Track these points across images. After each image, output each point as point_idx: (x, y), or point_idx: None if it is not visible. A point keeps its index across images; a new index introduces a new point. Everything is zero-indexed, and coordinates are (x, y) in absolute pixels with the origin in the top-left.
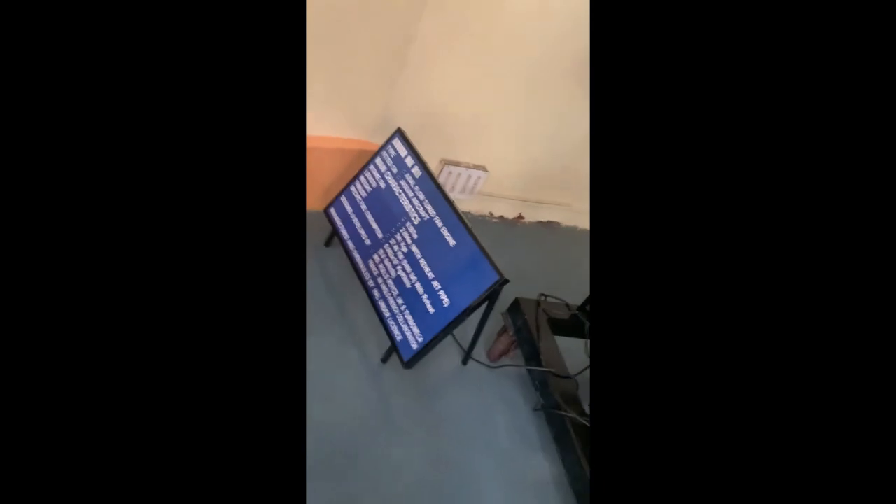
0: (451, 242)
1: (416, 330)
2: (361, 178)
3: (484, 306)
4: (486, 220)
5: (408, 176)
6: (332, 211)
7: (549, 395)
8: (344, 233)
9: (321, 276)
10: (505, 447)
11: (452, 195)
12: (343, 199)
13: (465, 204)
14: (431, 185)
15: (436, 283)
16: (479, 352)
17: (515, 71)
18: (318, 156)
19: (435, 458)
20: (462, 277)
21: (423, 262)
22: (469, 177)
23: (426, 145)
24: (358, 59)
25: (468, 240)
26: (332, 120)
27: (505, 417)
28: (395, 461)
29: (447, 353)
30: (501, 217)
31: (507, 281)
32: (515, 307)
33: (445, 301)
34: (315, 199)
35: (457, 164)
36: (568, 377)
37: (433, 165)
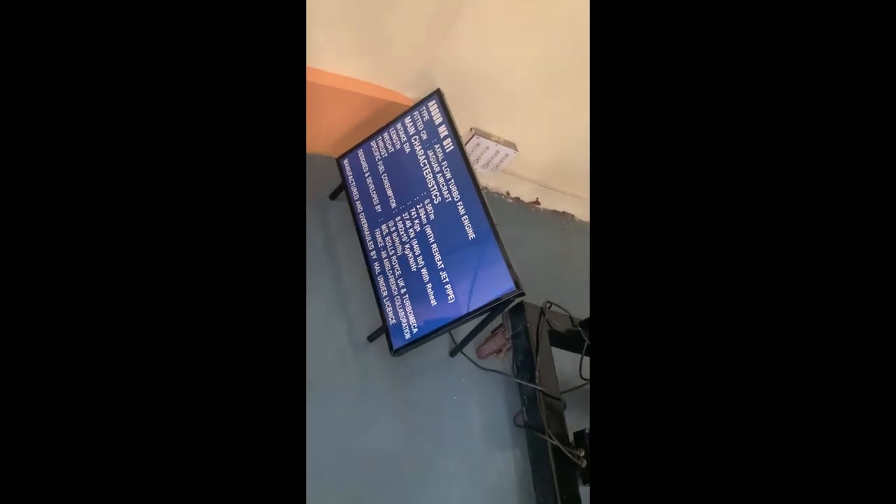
0: (471, 235)
1: (412, 319)
2: (385, 134)
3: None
4: (501, 199)
5: (437, 147)
6: (346, 163)
7: (535, 413)
8: (354, 191)
9: (321, 230)
10: (476, 451)
11: (475, 168)
12: (360, 152)
13: (485, 178)
14: (461, 165)
15: (444, 275)
16: (469, 347)
17: (570, 54)
18: (342, 98)
19: (403, 446)
20: (474, 276)
21: (434, 248)
22: (497, 152)
23: (460, 108)
24: (408, 2)
25: (490, 237)
26: (365, 62)
27: (483, 421)
28: (362, 443)
29: (436, 339)
30: (518, 199)
31: (522, 294)
32: (519, 311)
33: (451, 296)
34: (330, 143)
35: (487, 136)
36: (557, 399)
37: (462, 131)
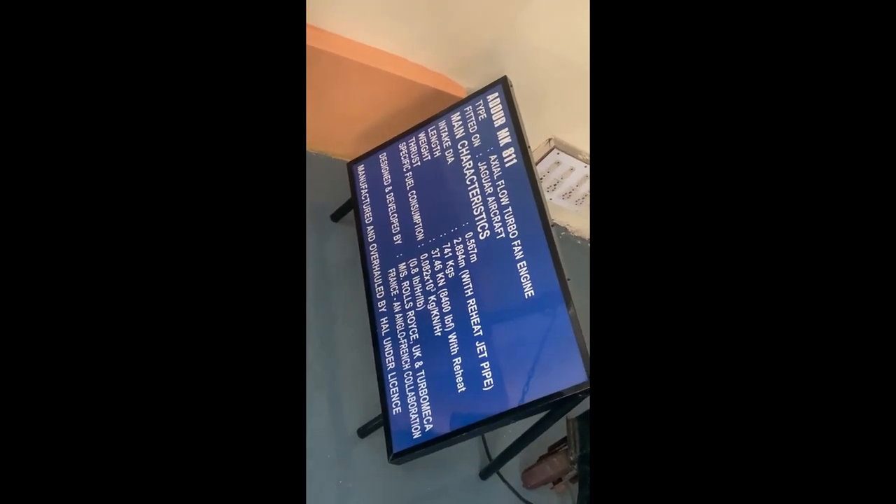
0: (528, 292)
1: (426, 409)
2: (421, 135)
3: (546, 412)
4: (584, 249)
5: (494, 159)
6: (361, 170)
7: None
8: (367, 211)
9: (312, 264)
10: None
11: (553, 199)
12: (383, 157)
13: (564, 215)
14: (526, 187)
15: (481, 347)
16: (513, 468)
17: None
18: (365, 78)
19: None
20: (527, 355)
21: (471, 304)
22: (585, 178)
23: (535, 110)
24: None
25: (557, 299)
26: (403, 30)
27: None
28: None
29: (462, 451)
30: None
31: None
32: None
33: (488, 381)
34: (342, 141)
35: (572, 151)
36: None
37: (536, 142)
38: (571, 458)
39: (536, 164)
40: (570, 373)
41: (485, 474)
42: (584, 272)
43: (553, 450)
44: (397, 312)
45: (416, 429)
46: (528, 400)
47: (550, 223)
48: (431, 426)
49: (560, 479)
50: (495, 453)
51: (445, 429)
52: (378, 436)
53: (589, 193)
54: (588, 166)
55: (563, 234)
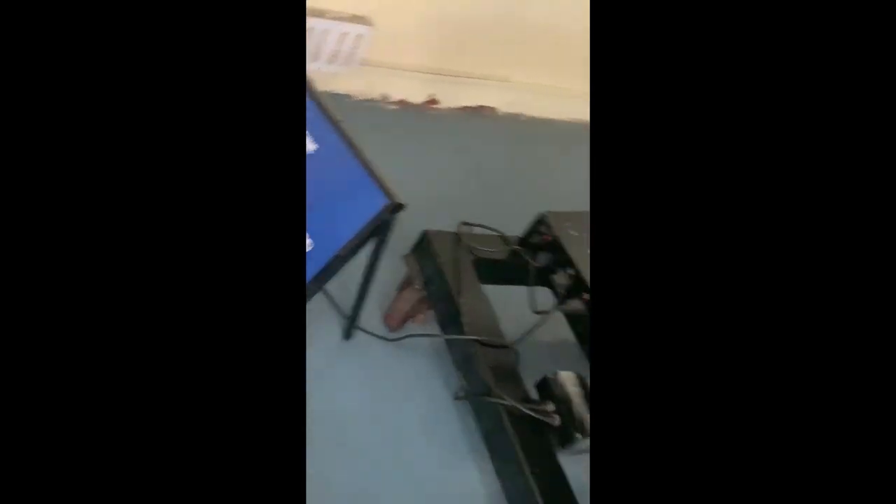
0: (310, 147)
1: None
2: None
3: (370, 249)
4: (377, 107)
5: None
6: None
7: (475, 375)
8: None
9: None
10: (414, 454)
11: (321, 68)
12: None
13: (345, 81)
14: None
15: None
16: (374, 316)
17: None
18: None
19: (310, 471)
20: (330, 205)
21: None
22: (343, 35)
23: None
24: None
25: (335, 140)
26: None
27: (413, 412)
28: None
29: (319, 322)
30: (402, 102)
31: (400, 206)
32: (423, 246)
33: (307, 244)
34: None
35: (321, 14)
36: (504, 346)
37: None
38: (417, 287)
39: None
40: (371, 201)
41: (347, 334)
42: (375, 134)
43: (401, 289)
44: None
45: None
46: (345, 240)
47: (342, 96)
48: None
49: (417, 311)
50: (347, 310)
51: None
52: None
53: (356, 50)
54: (342, 22)
55: (347, 100)
